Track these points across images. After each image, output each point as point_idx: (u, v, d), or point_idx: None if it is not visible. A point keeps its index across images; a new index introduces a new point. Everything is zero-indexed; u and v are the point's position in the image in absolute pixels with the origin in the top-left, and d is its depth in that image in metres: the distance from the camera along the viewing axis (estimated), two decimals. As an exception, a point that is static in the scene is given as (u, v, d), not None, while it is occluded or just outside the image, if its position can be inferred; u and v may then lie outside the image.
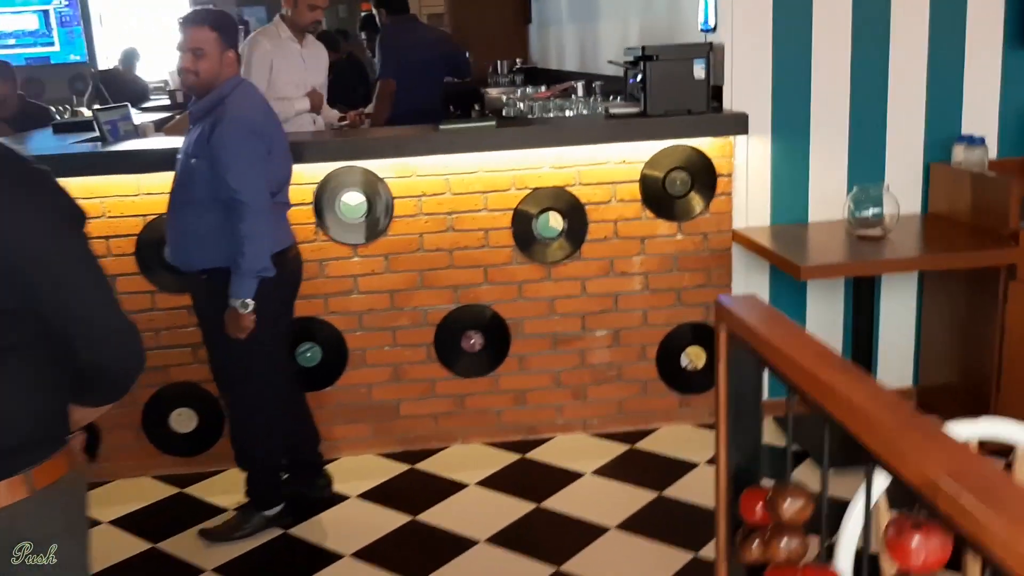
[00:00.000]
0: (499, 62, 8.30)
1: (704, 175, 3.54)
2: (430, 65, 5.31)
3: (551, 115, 4.83)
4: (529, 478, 3.40)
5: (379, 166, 3.44)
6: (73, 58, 11.80)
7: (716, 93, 3.56)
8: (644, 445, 3.61)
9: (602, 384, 3.71)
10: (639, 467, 3.44)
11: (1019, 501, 0.84)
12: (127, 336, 1.51)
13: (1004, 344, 3.22)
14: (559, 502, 3.21)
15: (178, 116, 5.04)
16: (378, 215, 3.46)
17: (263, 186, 2.78)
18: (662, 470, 3.40)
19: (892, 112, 3.59)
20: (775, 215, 3.64)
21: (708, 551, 2.83)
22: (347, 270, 3.50)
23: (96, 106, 4.40)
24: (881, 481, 1.51)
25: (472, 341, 3.62)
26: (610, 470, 3.42)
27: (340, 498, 3.30)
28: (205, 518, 3.22)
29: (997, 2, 3.52)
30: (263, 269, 2.76)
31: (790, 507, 1.30)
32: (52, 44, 11.97)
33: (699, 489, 3.24)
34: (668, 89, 3.43)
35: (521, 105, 5.96)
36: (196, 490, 3.46)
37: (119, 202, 3.38)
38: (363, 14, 8.18)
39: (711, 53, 3.45)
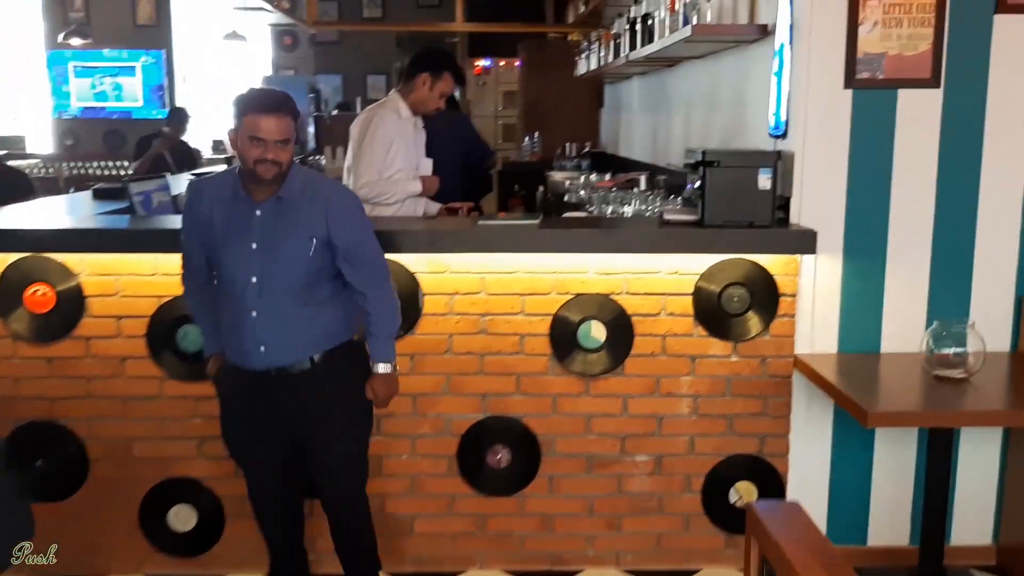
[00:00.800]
0: (568, 145, 8.14)
1: (765, 293, 3.22)
2: (450, 152, 5.00)
3: (610, 208, 4.61)
4: (548, 618, 3.05)
5: (411, 259, 3.20)
6: (155, 114, 12.02)
7: (783, 203, 3.25)
8: (681, 588, 3.23)
9: (640, 515, 3.35)
10: (672, 616, 3.06)
11: None
12: None
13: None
14: (577, 653, 2.85)
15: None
16: (406, 311, 3.20)
17: None
18: (698, 623, 3.01)
19: (981, 238, 3.23)
20: (843, 342, 3.29)
21: None
22: (368, 369, 3.24)
23: (131, 173, 4.27)
24: None
25: (499, 456, 3.31)
26: (639, 617, 3.05)
27: (337, 623, 3.00)
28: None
29: (1106, 124, 3.16)
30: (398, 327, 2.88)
31: None
32: (136, 100, 12.25)
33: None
34: (729, 198, 3.13)
35: (583, 193, 5.78)
36: (186, 597, 3.19)
37: (133, 281, 3.19)
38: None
39: (779, 162, 3.14)
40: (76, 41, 11.39)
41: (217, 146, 9.41)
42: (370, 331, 2.79)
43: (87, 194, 4.55)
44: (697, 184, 3.20)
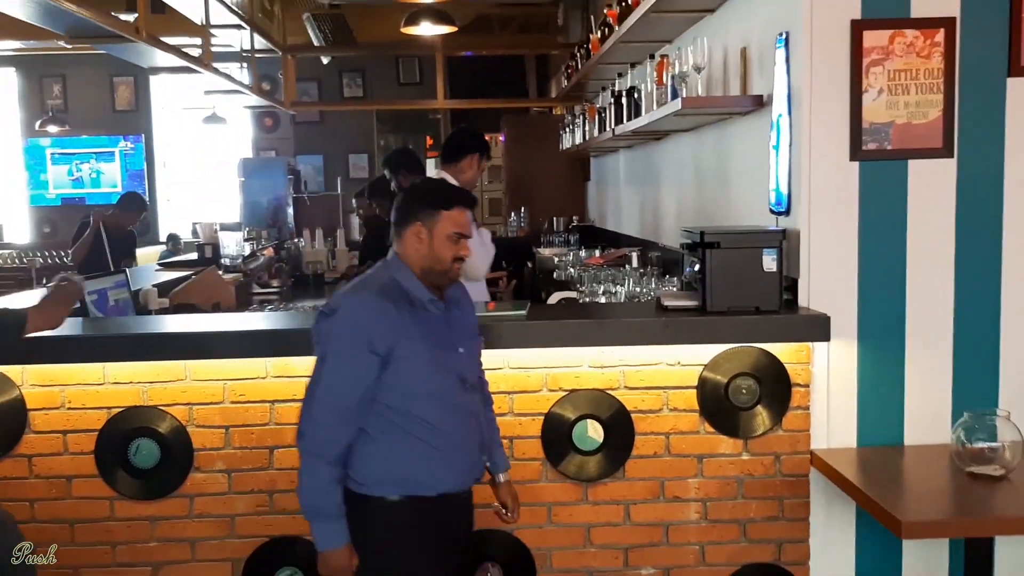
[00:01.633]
0: (555, 219, 7.95)
1: (775, 384, 2.94)
2: None
3: (601, 288, 4.36)
4: None
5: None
6: (132, 199, 11.81)
7: (789, 284, 2.99)
8: None
9: (647, 635, 3.02)
10: None
11: None
12: None
13: None
14: None
15: (195, 275, 4.63)
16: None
17: None
18: None
19: (1007, 316, 2.97)
20: (863, 435, 3.00)
21: None
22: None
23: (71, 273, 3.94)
24: None
25: (489, 574, 2.99)
26: None
27: None
28: None
29: None
30: None
31: None
32: (115, 185, 12.07)
33: None
34: (733, 282, 2.87)
35: (572, 270, 5.54)
36: None
37: (80, 392, 2.89)
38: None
39: (784, 241, 2.90)
40: (53, 128, 11.27)
41: (195, 229, 9.13)
42: (495, 438, 2.65)
43: (37, 293, 4.25)
44: (696, 267, 2.95)
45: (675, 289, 3.80)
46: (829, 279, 2.95)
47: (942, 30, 2.90)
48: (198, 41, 5.58)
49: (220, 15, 5.52)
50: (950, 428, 2.80)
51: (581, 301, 4.23)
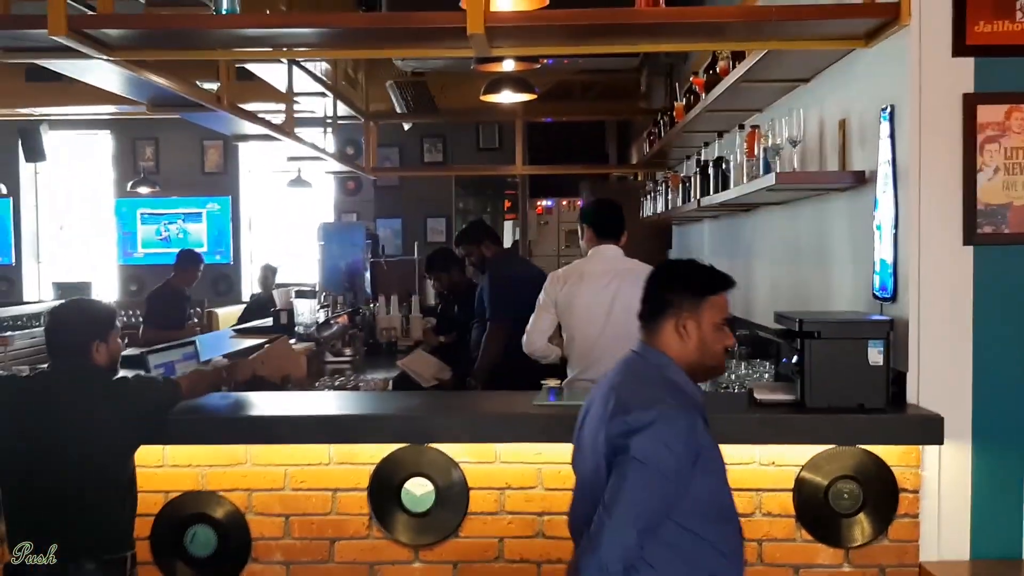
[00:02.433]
0: (634, 289, 7.71)
1: (881, 489, 2.67)
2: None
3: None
4: None
5: (454, 448, 2.75)
6: (217, 258, 12.04)
7: (897, 378, 2.73)
8: None
9: None
10: None
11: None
12: None
13: None
14: None
15: (267, 343, 4.51)
16: (448, 510, 2.73)
17: None
18: None
19: None
20: (977, 547, 2.72)
21: None
22: (405, 578, 2.75)
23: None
24: None
25: None
26: None
27: None
28: None
29: None
30: None
31: None
32: (201, 245, 12.29)
33: None
34: (834, 376, 2.63)
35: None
36: None
37: (138, 473, 2.78)
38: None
39: (891, 331, 2.65)
40: (144, 189, 11.54)
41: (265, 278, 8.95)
42: None
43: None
44: (795, 358, 2.71)
45: (766, 376, 3.55)
46: (941, 374, 2.70)
47: (1065, 105, 2.66)
48: (282, 107, 5.60)
49: (304, 83, 5.54)
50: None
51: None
